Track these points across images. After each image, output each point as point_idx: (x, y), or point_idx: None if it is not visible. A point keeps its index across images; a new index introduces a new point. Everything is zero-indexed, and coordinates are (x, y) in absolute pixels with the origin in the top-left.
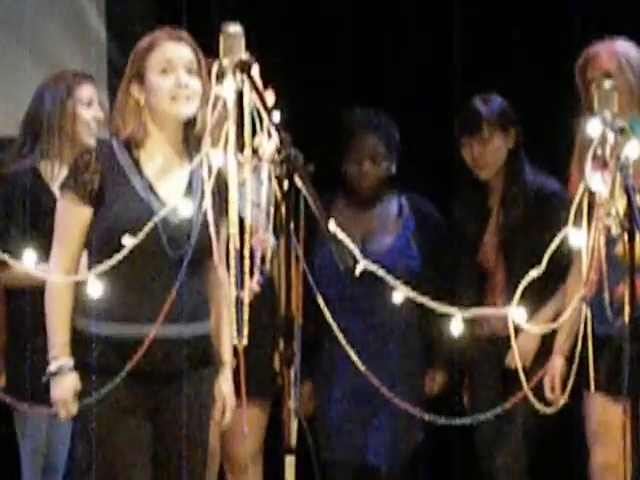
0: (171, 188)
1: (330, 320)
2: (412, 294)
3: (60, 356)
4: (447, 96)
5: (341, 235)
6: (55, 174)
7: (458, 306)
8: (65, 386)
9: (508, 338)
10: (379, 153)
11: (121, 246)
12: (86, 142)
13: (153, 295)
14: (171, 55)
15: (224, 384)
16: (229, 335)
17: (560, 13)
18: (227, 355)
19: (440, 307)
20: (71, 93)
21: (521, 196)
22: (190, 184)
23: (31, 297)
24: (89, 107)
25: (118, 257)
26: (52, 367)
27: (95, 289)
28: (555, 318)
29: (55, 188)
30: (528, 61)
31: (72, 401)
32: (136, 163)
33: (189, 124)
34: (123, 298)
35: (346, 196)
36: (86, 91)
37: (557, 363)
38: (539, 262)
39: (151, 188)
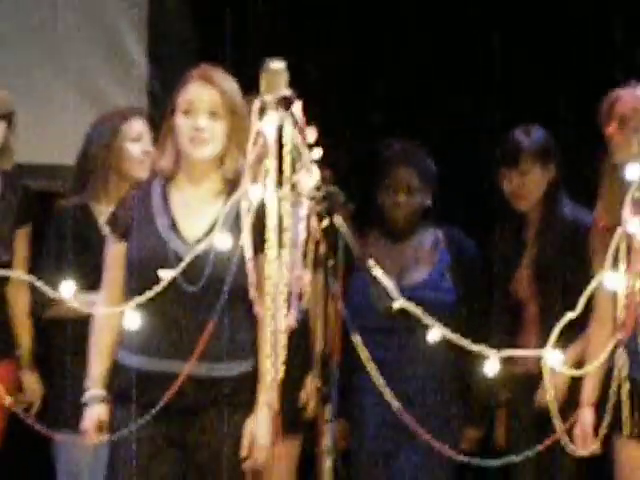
0: (195, 225)
1: (365, 357)
2: (448, 333)
3: (92, 387)
4: (485, 127)
5: (379, 274)
6: (104, 210)
7: (492, 340)
8: (89, 416)
9: (541, 376)
10: (413, 185)
11: (144, 281)
12: (138, 176)
13: (173, 331)
14: (194, 96)
15: (253, 422)
16: (266, 374)
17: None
18: (262, 394)
19: (474, 347)
20: (117, 130)
21: (557, 229)
22: (220, 220)
23: (73, 327)
24: (137, 142)
25: (154, 292)
26: (84, 397)
27: (132, 321)
28: (579, 360)
29: (102, 223)
30: (570, 90)
31: (95, 431)
32: (165, 199)
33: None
34: (147, 333)
35: (381, 229)
36: (134, 126)
37: (587, 414)
38: (572, 296)
39: (174, 225)
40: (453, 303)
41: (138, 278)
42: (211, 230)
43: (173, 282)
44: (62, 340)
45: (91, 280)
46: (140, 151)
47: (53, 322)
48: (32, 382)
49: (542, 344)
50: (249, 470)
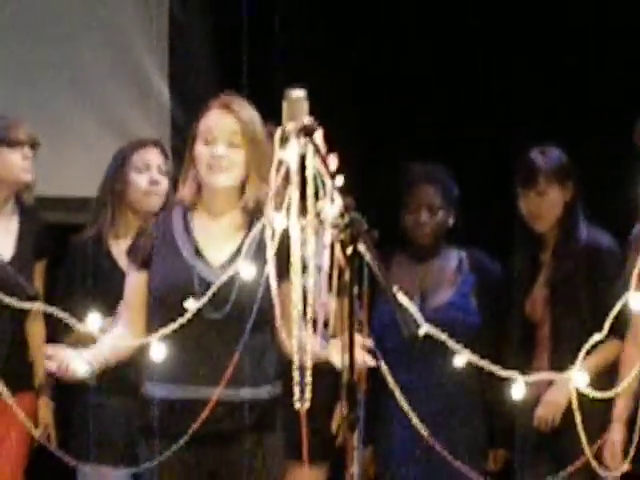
0: (219, 251)
1: (392, 383)
2: (474, 359)
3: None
4: (506, 147)
5: (405, 301)
6: (116, 239)
7: (509, 362)
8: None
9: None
10: (436, 203)
11: (170, 308)
12: (145, 206)
13: (200, 358)
14: (213, 125)
15: None
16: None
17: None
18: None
19: (501, 371)
20: (125, 161)
21: (573, 250)
22: (242, 248)
23: None
24: (144, 172)
25: (180, 321)
26: None
27: (158, 353)
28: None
29: (115, 253)
30: (590, 111)
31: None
32: (187, 226)
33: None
34: (174, 361)
35: (405, 250)
36: (142, 156)
37: (618, 430)
38: (587, 316)
39: (197, 251)
40: (477, 325)
41: (164, 305)
42: (235, 256)
43: (199, 310)
44: None
45: (107, 310)
46: (146, 181)
47: None
48: (45, 414)
49: (553, 366)
50: None
